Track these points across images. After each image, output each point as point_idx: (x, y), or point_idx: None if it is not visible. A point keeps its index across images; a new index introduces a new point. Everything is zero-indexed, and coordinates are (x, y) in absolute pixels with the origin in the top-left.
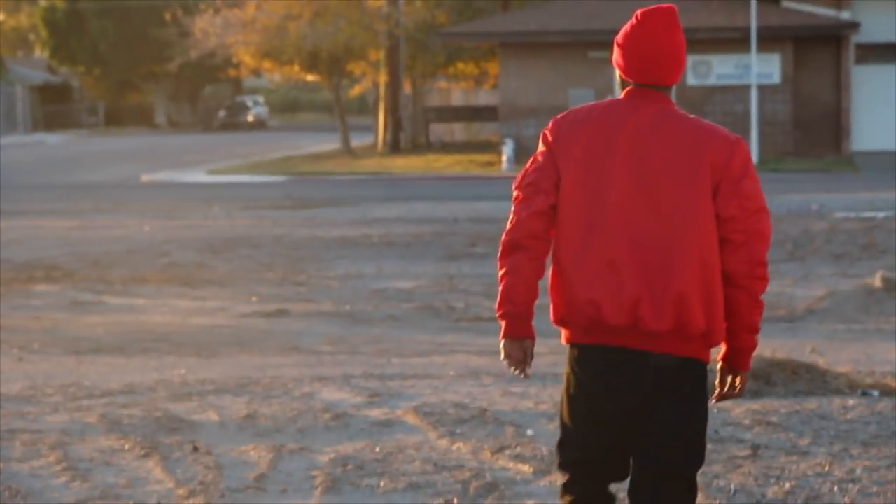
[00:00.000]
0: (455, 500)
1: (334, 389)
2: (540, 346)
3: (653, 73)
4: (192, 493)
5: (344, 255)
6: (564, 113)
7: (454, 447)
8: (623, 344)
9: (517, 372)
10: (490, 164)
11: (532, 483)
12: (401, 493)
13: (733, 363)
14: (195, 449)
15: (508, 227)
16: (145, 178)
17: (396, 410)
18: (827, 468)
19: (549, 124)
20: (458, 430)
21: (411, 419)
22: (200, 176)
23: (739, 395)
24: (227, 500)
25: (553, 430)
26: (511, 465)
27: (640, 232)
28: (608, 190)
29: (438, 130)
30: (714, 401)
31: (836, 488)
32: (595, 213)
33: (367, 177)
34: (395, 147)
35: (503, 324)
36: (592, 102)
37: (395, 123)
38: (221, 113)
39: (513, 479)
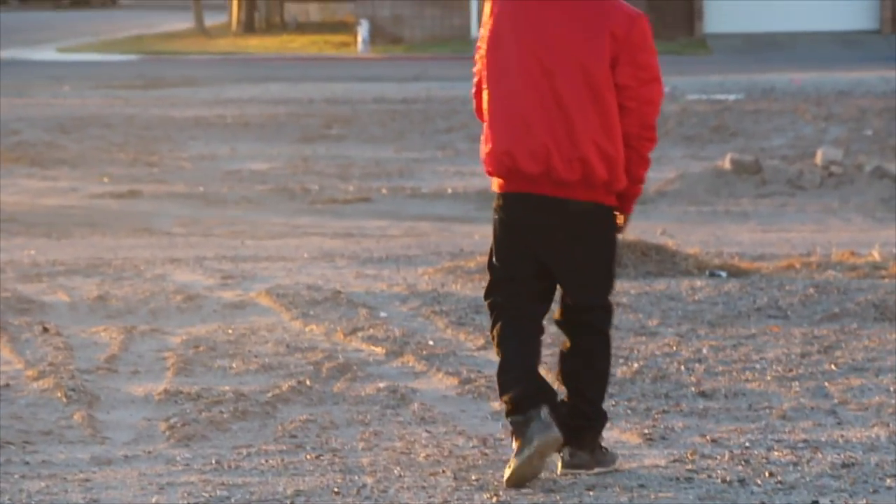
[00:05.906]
0: (307, 382)
1: (187, 271)
2: (393, 229)
3: None
4: (41, 374)
5: (197, 136)
6: None
7: (307, 329)
8: (539, 191)
9: None
10: (345, 44)
11: (384, 364)
12: (253, 374)
13: (619, 207)
14: (45, 330)
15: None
16: None
17: (249, 292)
18: (674, 348)
19: None
20: (311, 312)
21: (264, 301)
22: (50, 54)
23: (621, 232)
24: (78, 381)
25: (406, 311)
26: (364, 346)
27: (544, 93)
28: (514, 53)
29: (293, 10)
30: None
31: (682, 368)
32: (503, 73)
33: (221, 57)
34: (249, 27)
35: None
36: None
37: (249, 2)
38: None
39: (365, 361)
